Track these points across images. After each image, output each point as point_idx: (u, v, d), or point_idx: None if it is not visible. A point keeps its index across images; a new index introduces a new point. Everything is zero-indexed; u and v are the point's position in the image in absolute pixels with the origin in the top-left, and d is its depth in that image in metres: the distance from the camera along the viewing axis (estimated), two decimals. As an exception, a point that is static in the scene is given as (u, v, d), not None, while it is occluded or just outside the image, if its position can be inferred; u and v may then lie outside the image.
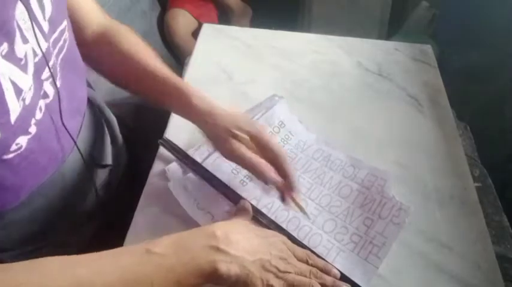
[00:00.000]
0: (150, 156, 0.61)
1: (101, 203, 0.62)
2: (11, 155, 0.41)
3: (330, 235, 0.52)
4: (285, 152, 0.50)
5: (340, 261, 0.50)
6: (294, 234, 0.52)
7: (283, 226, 0.53)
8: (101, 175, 0.62)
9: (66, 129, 0.49)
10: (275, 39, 0.82)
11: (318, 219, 0.54)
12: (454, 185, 0.58)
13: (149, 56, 0.59)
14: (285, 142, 0.62)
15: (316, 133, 0.64)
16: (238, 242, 0.42)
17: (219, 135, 0.50)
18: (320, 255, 0.49)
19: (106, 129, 0.65)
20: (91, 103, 0.64)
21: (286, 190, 0.50)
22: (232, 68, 0.75)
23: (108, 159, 0.63)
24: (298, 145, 0.62)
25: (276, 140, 0.50)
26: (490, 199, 0.68)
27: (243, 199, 0.53)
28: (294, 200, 0.50)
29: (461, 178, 0.59)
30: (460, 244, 0.52)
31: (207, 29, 0.84)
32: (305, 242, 0.51)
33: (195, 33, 1.53)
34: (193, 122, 0.54)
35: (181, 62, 1.55)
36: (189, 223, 0.52)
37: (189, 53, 0.80)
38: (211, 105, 0.53)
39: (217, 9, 1.71)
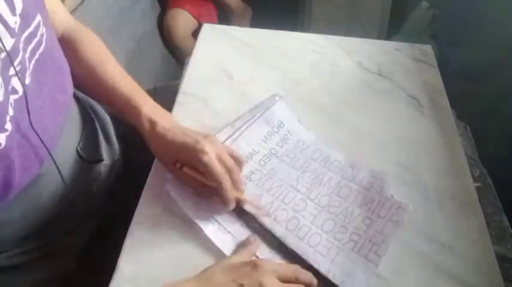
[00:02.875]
0: (148, 155, 0.61)
1: (99, 202, 0.61)
2: None
3: (330, 234, 0.52)
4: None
5: (339, 260, 0.50)
6: (294, 233, 0.52)
7: (283, 225, 0.53)
8: (96, 173, 0.61)
9: (32, 127, 0.48)
10: (275, 39, 0.82)
11: (317, 219, 0.54)
12: (454, 185, 0.58)
13: (110, 70, 0.60)
14: (284, 142, 0.62)
15: (316, 133, 0.64)
16: None
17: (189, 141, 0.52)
18: (313, 258, 0.50)
19: (98, 127, 0.65)
20: (80, 101, 0.63)
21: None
22: (232, 68, 0.75)
23: (101, 155, 0.62)
24: (297, 145, 0.62)
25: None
26: (490, 199, 0.68)
27: (251, 234, 0.52)
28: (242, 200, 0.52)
29: (461, 178, 0.59)
30: (460, 244, 0.52)
31: (207, 29, 0.84)
32: (304, 241, 0.51)
33: (195, 33, 1.53)
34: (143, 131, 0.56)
35: (181, 62, 1.55)
36: (190, 223, 0.52)
37: (189, 53, 0.80)
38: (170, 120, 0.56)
39: (217, 9, 1.71)
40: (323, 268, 0.49)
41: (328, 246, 0.51)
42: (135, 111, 0.57)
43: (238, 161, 0.54)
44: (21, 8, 0.44)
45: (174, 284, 0.43)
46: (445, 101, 0.71)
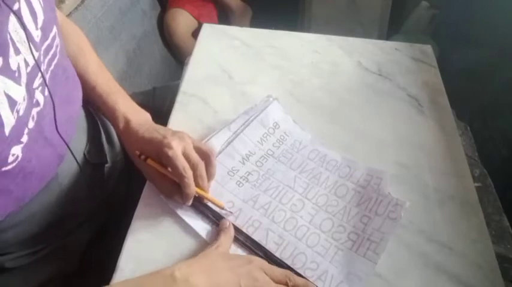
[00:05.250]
0: None
1: (100, 203, 0.61)
2: (10, 167, 0.41)
3: (328, 234, 0.52)
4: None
5: (338, 260, 0.50)
6: (292, 233, 0.52)
7: (281, 226, 0.53)
8: (98, 175, 0.61)
9: (59, 134, 0.49)
10: (275, 39, 0.82)
11: (315, 219, 0.54)
12: (454, 185, 0.58)
13: (91, 67, 0.61)
14: (281, 143, 0.62)
15: (316, 133, 0.64)
16: (199, 283, 0.41)
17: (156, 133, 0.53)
18: (312, 258, 0.49)
19: (101, 128, 0.65)
20: (85, 103, 0.64)
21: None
22: (232, 68, 0.75)
23: (105, 158, 0.63)
24: (294, 145, 0.62)
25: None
26: (490, 199, 0.68)
27: (224, 218, 0.52)
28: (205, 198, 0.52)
29: (461, 178, 0.59)
30: (460, 244, 0.52)
31: (207, 29, 0.84)
32: (302, 241, 0.51)
33: (195, 33, 1.53)
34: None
35: (181, 62, 1.55)
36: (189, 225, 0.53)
37: (189, 53, 0.80)
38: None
39: (217, 9, 1.71)
40: (322, 268, 0.49)
41: (327, 246, 0.51)
42: (112, 109, 0.58)
43: (208, 156, 0.53)
44: (42, 21, 0.44)
45: (180, 269, 0.43)
46: (445, 101, 0.71)
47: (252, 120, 0.63)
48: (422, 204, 0.56)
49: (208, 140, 0.61)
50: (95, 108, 0.64)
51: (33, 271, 0.56)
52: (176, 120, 0.66)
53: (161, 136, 0.52)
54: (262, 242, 0.51)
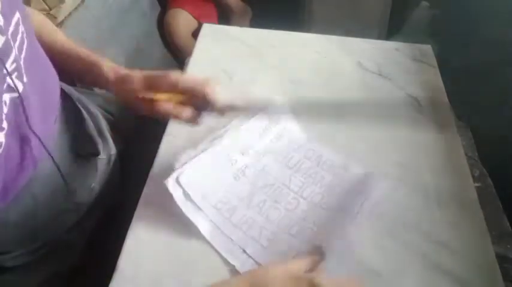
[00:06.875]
0: (145, 146, 0.61)
1: (96, 197, 0.61)
2: None
3: (321, 227, 0.53)
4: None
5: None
6: (286, 231, 0.52)
7: (275, 223, 0.53)
8: (92, 168, 0.61)
9: (29, 125, 0.48)
10: (275, 39, 0.82)
11: (310, 215, 0.54)
12: (454, 185, 0.58)
13: (59, 34, 0.62)
14: (278, 139, 0.63)
15: (315, 133, 0.64)
16: None
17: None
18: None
19: (91, 122, 0.65)
20: (69, 97, 0.63)
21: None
22: (232, 68, 0.75)
23: (98, 149, 0.62)
24: (291, 143, 0.63)
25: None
26: (490, 199, 0.68)
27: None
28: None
29: (461, 178, 0.59)
30: (460, 244, 0.52)
31: (207, 29, 0.84)
32: (298, 238, 0.52)
33: (195, 33, 1.53)
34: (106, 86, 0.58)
35: (182, 62, 1.55)
36: (189, 223, 0.52)
37: (189, 53, 0.80)
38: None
39: (217, 9, 1.71)
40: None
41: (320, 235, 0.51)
42: (97, 65, 0.57)
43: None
44: (0, 6, 0.43)
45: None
46: (445, 101, 0.71)
47: (256, 114, 0.64)
48: (422, 204, 0.56)
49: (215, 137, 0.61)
50: (73, 73, 0.63)
51: (33, 270, 0.56)
52: (176, 120, 0.65)
53: (158, 71, 0.54)
54: (256, 239, 0.52)
